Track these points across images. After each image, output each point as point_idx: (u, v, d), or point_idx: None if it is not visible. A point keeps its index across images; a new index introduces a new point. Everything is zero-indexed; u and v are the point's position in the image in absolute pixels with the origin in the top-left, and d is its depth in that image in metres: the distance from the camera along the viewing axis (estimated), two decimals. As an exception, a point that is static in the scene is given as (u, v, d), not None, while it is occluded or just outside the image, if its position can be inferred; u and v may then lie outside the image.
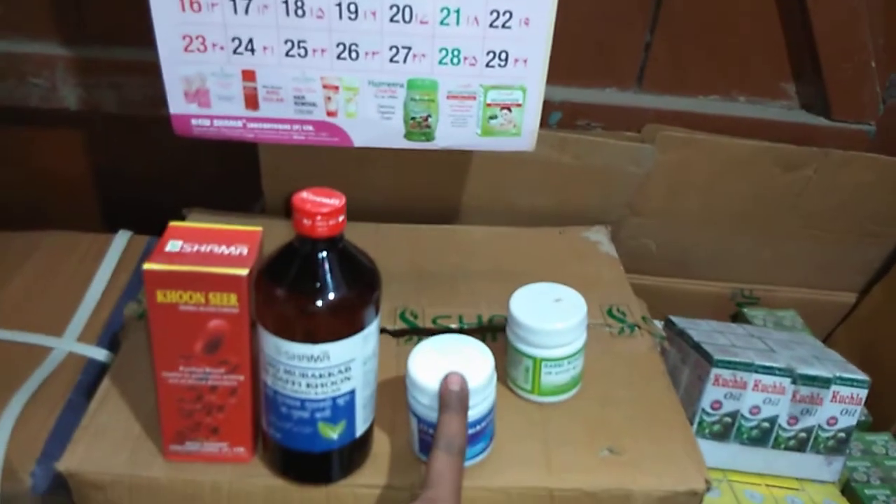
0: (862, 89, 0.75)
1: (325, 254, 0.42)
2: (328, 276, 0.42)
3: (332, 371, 0.43)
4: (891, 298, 0.84)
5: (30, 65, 0.73)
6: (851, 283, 0.89)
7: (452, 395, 0.45)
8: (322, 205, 0.40)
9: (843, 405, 0.61)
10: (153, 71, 0.71)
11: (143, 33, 0.68)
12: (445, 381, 0.45)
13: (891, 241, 0.84)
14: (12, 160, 0.83)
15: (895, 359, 0.78)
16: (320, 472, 0.48)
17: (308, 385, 0.43)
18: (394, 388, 0.54)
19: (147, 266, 0.42)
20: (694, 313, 0.81)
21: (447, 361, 0.47)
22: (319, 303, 0.41)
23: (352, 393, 0.45)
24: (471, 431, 0.47)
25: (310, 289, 0.41)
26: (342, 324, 0.42)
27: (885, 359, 0.79)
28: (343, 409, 0.45)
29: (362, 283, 0.43)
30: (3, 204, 0.83)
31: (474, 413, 0.47)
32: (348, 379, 0.44)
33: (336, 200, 0.40)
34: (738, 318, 0.88)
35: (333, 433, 0.46)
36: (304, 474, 0.48)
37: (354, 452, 0.48)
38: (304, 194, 0.41)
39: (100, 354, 0.65)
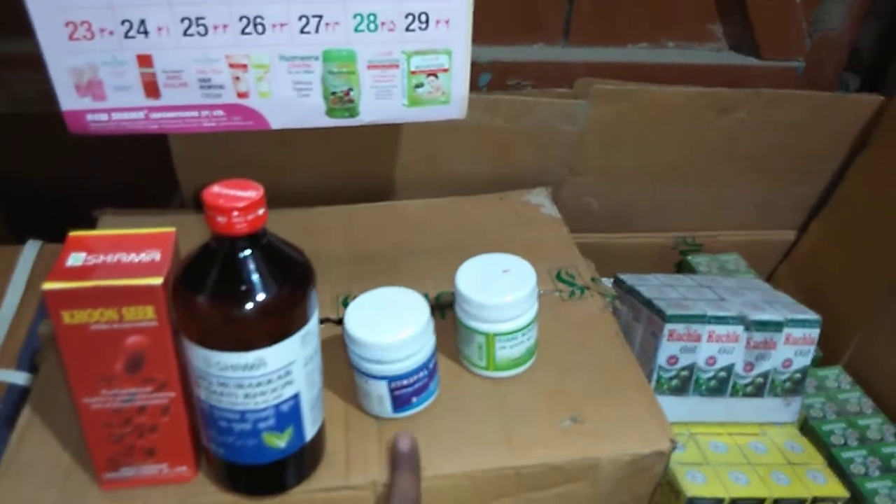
0: (788, 26, 0.74)
1: (247, 252, 0.38)
2: (253, 277, 0.38)
3: (270, 378, 0.40)
4: (828, 233, 0.85)
5: None
6: (790, 221, 0.90)
7: (403, 456, 0.45)
8: (237, 198, 0.36)
9: (796, 346, 0.61)
10: (39, 63, 0.65)
11: (24, 22, 0.62)
12: (395, 441, 0.46)
13: (825, 177, 0.85)
14: None
15: (837, 292, 0.79)
16: (272, 482, 0.45)
17: (246, 395, 0.40)
18: (344, 380, 0.51)
19: (47, 286, 0.37)
20: (639, 266, 0.81)
21: (382, 314, 0.49)
22: (247, 307, 0.37)
23: (296, 397, 0.42)
24: (413, 379, 0.48)
25: (234, 292, 0.38)
26: (275, 326, 0.39)
27: (827, 293, 0.80)
28: (288, 415, 0.42)
29: (293, 279, 0.40)
30: None
31: (414, 361, 0.48)
32: (290, 383, 0.41)
33: (253, 192, 0.36)
34: (682, 266, 0.88)
35: (281, 441, 0.43)
36: (254, 487, 0.45)
37: (306, 457, 0.45)
38: (216, 188, 0.37)
39: (20, 378, 0.60)
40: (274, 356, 0.39)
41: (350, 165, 0.73)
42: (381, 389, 0.48)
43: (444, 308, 0.59)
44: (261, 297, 0.38)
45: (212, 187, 0.36)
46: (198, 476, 0.46)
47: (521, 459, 0.47)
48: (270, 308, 0.38)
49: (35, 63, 0.66)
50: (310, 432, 0.44)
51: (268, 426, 0.42)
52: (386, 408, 0.49)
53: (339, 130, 0.59)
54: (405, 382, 0.48)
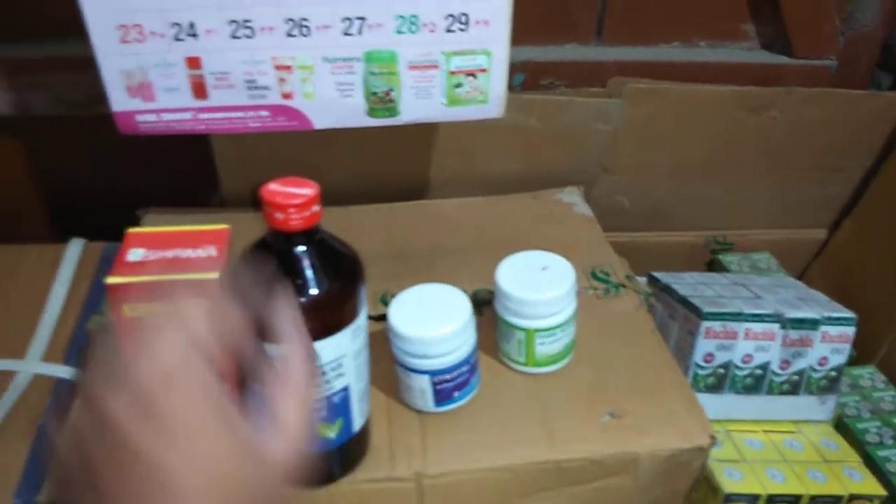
0: (821, 24, 0.74)
1: (302, 248, 0.39)
2: (307, 272, 0.39)
3: (323, 370, 0.41)
4: (861, 231, 0.84)
5: (-49, 71, 0.68)
6: (821, 220, 0.89)
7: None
8: (294, 195, 0.37)
9: (832, 344, 0.61)
10: (87, 67, 0.67)
11: (72, 27, 0.64)
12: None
13: (857, 175, 0.84)
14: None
15: (870, 291, 0.79)
16: (320, 472, 0.46)
17: None
18: (386, 375, 0.52)
19: (110, 280, 0.39)
20: (670, 264, 0.81)
21: (425, 309, 0.50)
22: (301, 300, 0.39)
23: (345, 389, 0.43)
24: (456, 373, 0.49)
25: (299, 289, 0.39)
26: (328, 320, 0.40)
27: (860, 291, 0.80)
28: (338, 407, 0.43)
29: (345, 274, 0.41)
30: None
31: (457, 356, 0.49)
32: (341, 375, 0.42)
33: (308, 190, 0.37)
34: (713, 264, 0.88)
35: (331, 432, 0.44)
36: (304, 477, 0.46)
37: (354, 448, 0.47)
38: (273, 186, 0.38)
39: (67, 373, 0.61)
40: (326, 349, 0.40)
41: (386, 165, 0.74)
42: (423, 383, 0.49)
43: (481, 305, 0.60)
44: (314, 291, 0.39)
45: (269, 184, 0.38)
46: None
47: (561, 453, 0.48)
48: (323, 302, 0.39)
49: (81, 67, 0.67)
50: (358, 423, 0.45)
51: (319, 417, 0.43)
52: (428, 402, 0.50)
53: (376, 130, 0.60)
54: (447, 377, 0.49)
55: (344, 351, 0.41)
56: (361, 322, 0.42)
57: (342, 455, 0.46)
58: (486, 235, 0.69)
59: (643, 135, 0.76)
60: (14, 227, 0.80)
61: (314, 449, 0.44)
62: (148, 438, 0.26)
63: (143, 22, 0.50)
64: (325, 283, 0.39)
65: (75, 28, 0.52)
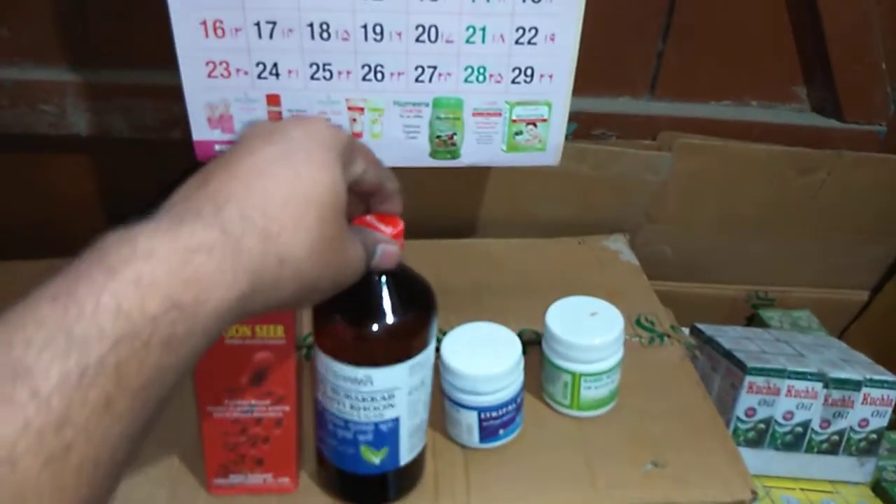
0: (873, 91, 0.75)
1: (380, 279, 0.41)
2: (383, 302, 0.41)
3: (374, 396, 0.43)
4: (904, 295, 0.84)
5: (39, 91, 0.72)
6: (864, 282, 0.90)
7: None
8: (380, 230, 0.40)
9: (873, 407, 0.61)
10: (164, 94, 0.71)
11: (153, 56, 0.68)
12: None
13: (902, 239, 0.85)
14: (21, 185, 0.82)
15: (912, 355, 0.79)
16: (366, 494, 0.48)
17: (352, 406, 0.43)
18: (431, 408, 0.53)
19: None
20: (710, 317, 0.82)
21: (477, 347, 0.51)
22: (369, 328, 0.41)
23: (395, 420, 0.44)
24: (503, 411, 0.51)
25: (363, 313, 0.41)
26: (387, 351, 0.42)
27: (901, 355, 0.79)
28: (386, 436, 0.45)
29: (417, 308, 0.43)
30: (13, 230, 0.81)
31: (505, 394, 0.50)
32: (391, 406, 0.44)
33: (392, 228, 0.40)
34: (753, 319, 0.89)
35: (376, 458, 0.45)
36: (349, 493, 0.48)
37: (400, 479, 0.48)
38: (366, 218, 0.41)
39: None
40: (381, 377, 0.42)
41: (438, 203, 0.76)
42: (470, 419, 0.51)
43: (525, 345, 0.62)
44: (386, 320, 0.41)
45: (361, 217, 0.40)
46: (297, 489, 0.49)
47: (604, 499, 0.49)
48: (385, 332, 0.41)
49: (158, 94, 0.72)
50: (405, 458, 0.47)
51: (366, 440, 0.44)
52: (474, 437, 0.52)
53: (435, 170, 0.63)
54: (494, 414, 0.51)
55: (398, 384, 0.43)
56: (422, 360, 0.44)
57: (388, 483, 0.47)
58: (531, 277, 0.71)
59: (690, 188, 0.78)
60: (84, 241, 0.84)
61: (360, 470, 0.45)
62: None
63: (231, 60, 0.54)
64: (398, 314, 0.42)
65: (156, 58, 0.55)
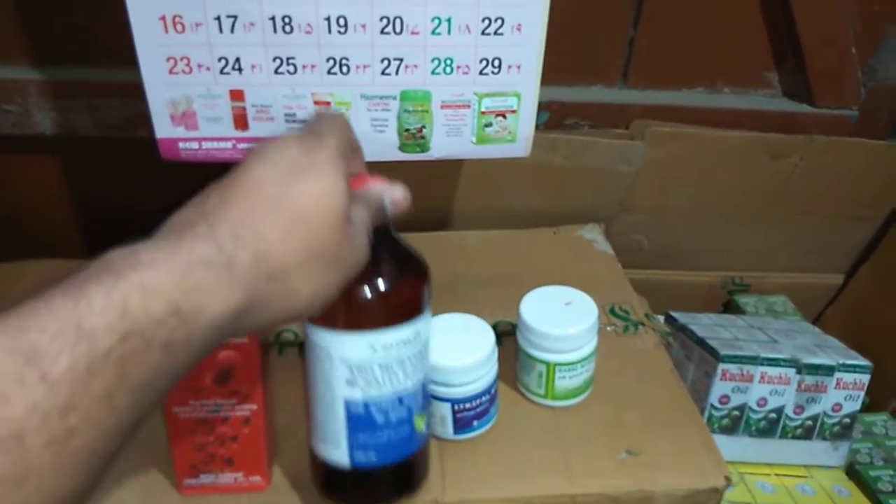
0: (844, 76, 0.75)
1: (391, 232, 0.43)
2: (405, 252, 0.43)
3: (421, 349, 0.43)
4: (877, 279, 0.85)
5: (2, 90, 0.70)
6: (838, 265, 0.90)
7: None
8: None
9: (846, 391, 0.62)
10: (130, 92, 0.69)
11: (117, 53, 0.67)
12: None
13: (875, 223, 0.85)
14: (-13, 188, 0.80)
15: (885, 338, 0.79)
16: (410, 477, 0.47)
17: (405, 375, 0.42)
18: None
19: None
20: (686, 304, 0.82)
21: (450, 338, 0.51)
22: (409, 274, 0.42)
23: (426, 377, 0.45)
24: (476, 403, 0.51)
25: (397, 265, 0.42)
26: (422, 294, 0.43)
27: (875, 339, 0.80)
28: (427, 394, 0.45)
29: (418, 257, 0.44)
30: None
31: (478, 385, 0.50)
32: (427, 358, 0.45)
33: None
34: (729, 305, 0.89)
35: (422, 423, 0.45)
36: (395, 486, 0.46)
37: (421, 461, 0.47)
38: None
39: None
40: (423, 325, 0.43)
41: (412, 196, 0.76)
42: (444, 411, 0.51)
43: (500, 336, 0.61)
44: (415, 264, 0.43)
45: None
46: (269, 487, 0.48)
47: (578, 488, 0.49)
48: (419, 277, 0.43)
49: (123, 92, 0.70)
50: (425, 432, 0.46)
51: (417, 406, 0.44)
52: (447, 429, 0.52)
53: (405, 164, 0.62)
54: (468, 406, 0.51)
55: (428, 331, 0.44)
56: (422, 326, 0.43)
57: (423, 457, 0.47)
58: (506, 268, 0.71)
59: (664, 176, 0.78)
60: (52, 241, 0.82)
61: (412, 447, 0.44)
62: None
63: (192, 55, 0.53)
64: (419, 259, 0.43)
65: (122, 55, 0.54)
